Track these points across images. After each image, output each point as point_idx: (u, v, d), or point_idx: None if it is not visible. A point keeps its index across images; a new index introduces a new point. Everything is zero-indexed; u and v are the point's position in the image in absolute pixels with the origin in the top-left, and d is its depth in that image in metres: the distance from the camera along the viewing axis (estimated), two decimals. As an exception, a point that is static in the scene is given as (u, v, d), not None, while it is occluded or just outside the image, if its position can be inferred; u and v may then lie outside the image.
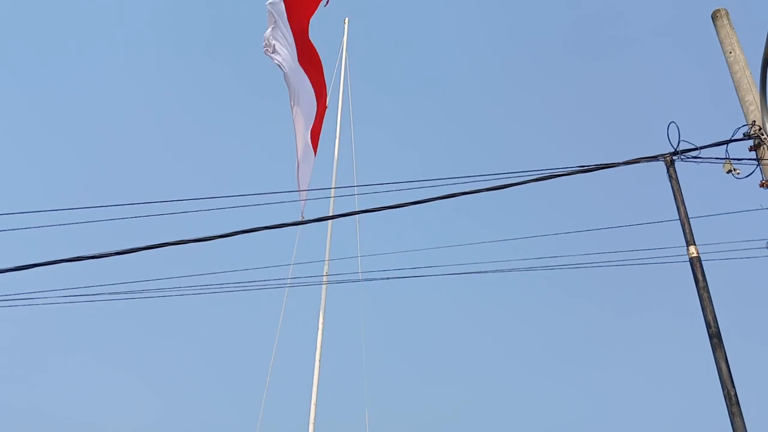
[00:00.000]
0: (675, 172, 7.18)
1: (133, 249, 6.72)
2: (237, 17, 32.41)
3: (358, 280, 10.13)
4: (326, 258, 11.64)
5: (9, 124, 28.64)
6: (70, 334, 20.84)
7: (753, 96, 7.13)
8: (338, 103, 13.43)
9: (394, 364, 19.57)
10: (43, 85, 29.68)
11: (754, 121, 7.03)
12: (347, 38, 14.14)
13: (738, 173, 7.04)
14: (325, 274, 11.38)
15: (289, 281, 10.14)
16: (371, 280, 9.63)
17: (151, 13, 31.93)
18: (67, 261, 6.75)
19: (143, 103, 30.31)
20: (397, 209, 7.48)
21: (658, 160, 7.25)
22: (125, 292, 7.45)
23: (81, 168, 27.66)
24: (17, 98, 29.11)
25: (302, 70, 12.35)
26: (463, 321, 22.80)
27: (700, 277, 6.73)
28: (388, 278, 9.34)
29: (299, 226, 10.08)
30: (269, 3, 11.70)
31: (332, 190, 12.51)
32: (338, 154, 13.05)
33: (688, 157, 7.18)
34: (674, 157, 7.20)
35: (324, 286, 11.15)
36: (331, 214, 11.66)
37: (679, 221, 7.02)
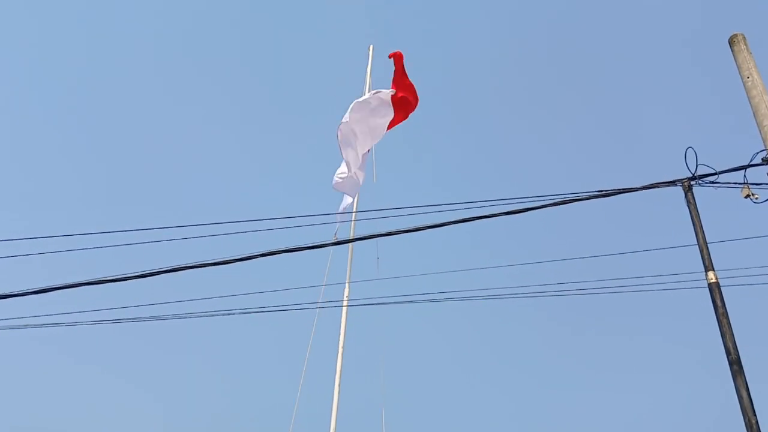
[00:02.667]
0: (693, 197, 7.16)
1: (153, 272, 6.84)
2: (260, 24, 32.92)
3: (381, 303, 10.19)
4: (347, 280, 11.71)
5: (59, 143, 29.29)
6: (90, 350, 21.02)
7: (771, 121, 7.09)
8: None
9: (412, 387, 19.51)
10: (70, 99, 30.22)
11: (773, 146, 6.99)
12: (371, 65, 14.36)
13: (757, 198, 7.00)
14: (345, 297, 11.45)
15: (319, 303, 10.24)
16: (394, 303, 9.69)
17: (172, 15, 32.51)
18: (86, 284, 6.89)
19: (177, 122, 30.79)
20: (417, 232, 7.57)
21: (676, 185, 7.23)
22: (141, 317, 7.56)
23: (112, 189, 28.14)
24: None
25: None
26: (483, 344, 22.68)
27: (719, 303, 6.67)
28: (409, 302, 9.40)
29: (331, 247, 10.29)
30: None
31: (353, 213, 12.64)
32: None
33: (707, 182, 7.16)
34: (692, 182, 7.18)
35: (344, 309, 11.19)
36: (351, 237, 11.80)
37: (697, 246, 6.99)
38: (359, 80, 14.18)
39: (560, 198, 7.27)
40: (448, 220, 7.48)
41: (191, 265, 7.01)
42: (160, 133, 30.37)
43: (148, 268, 6.48)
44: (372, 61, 14.42)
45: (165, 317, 8.10)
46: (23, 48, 30.42)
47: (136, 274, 6.26)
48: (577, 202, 7.28)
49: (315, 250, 7.72)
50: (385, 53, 13.55)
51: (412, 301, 9.31)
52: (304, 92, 31.72)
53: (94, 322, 7.67)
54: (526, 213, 7.24)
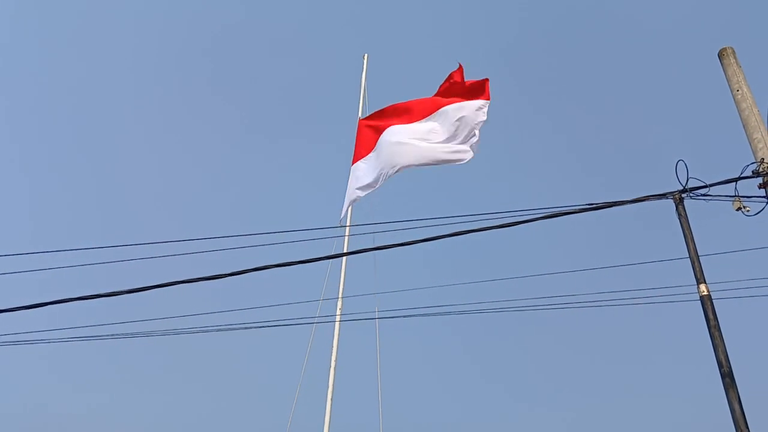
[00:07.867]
0: (684, 209, 7.16)
1: (146, 287, 6.82)
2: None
3: (375, 318, 10.16)
4: (339, 295, 11.66)
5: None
6: (81, 369, 20.88)
7: (761, 134, 7.12)
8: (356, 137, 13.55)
9: (410, 403, 19.42)
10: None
11: (763, 159, 7.01)
12: (366, 74, 14.35)
13: (748, 211, 7.00)
14: (338, 311, 11.40)
15: (316, 318, 10.18)
16: (388, 318, 9.67)
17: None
18: (83, 299, 6.87)
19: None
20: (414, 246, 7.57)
21: (667, 198, 7.24)
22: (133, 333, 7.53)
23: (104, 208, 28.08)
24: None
25: None
26: (476, 360, 22.64)
27: (711, 316, 6.67)
28: (404, 316, 9.39)
29: (329, 262, 10.28)
30: None
31: (347, 228, 12.60)
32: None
33: (698, 195, 7.16)
34: (683, 195, 7.19)
35: (337, 324, 11.14)
36: (345, 251, 11.78)
37: (689, 259, 6.98)
38: (355, 90, 14.22)
39: (551, 211, 7.28)
40: (441, 234, 7.48)
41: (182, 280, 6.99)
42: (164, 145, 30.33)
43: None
44: (366, 70, 14.47)
45: (166, 332, 8.06)
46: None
47: (128, 289, 6.24)
48: (568, 216, 7.28)
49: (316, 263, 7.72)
50: (380, 62, 13.59)
51: (403, 316, 9.31)
52: (297, 103, 31.82)
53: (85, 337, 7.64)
54: (517, 226, 7.24)
